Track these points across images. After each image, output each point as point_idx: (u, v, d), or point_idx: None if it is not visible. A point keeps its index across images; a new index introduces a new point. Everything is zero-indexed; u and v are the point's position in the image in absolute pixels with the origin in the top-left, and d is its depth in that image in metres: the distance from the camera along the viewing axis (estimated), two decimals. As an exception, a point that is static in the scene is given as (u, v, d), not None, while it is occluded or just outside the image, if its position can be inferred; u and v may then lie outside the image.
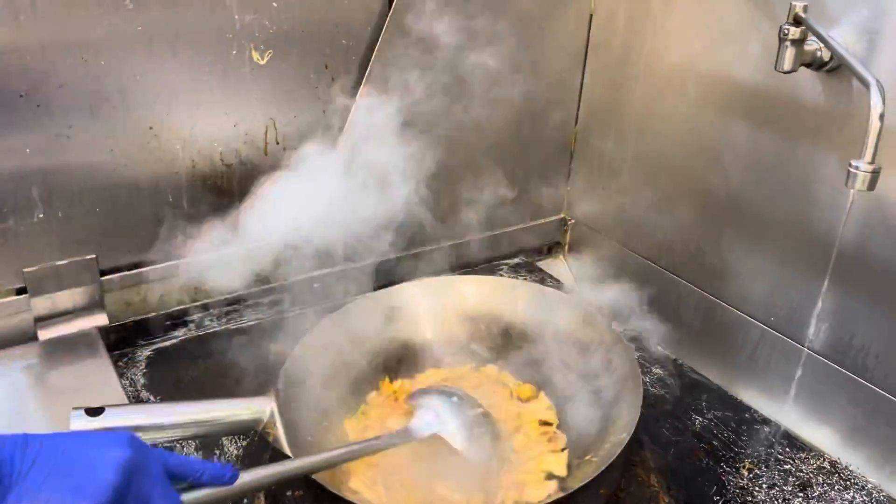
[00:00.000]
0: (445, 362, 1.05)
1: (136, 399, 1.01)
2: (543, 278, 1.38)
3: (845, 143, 0.96)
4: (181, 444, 0.94)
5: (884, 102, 0.78)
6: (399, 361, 1.03)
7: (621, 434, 0.81)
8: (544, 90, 1.35)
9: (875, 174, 0.78)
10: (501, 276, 1.36)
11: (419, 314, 1.05)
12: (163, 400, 1.01)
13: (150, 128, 1.04)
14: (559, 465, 0.86)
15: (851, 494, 0.90)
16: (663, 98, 1.22)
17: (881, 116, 0.77)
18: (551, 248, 1.50)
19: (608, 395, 0.91)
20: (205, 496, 0.66)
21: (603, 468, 0.76)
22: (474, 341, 1.05)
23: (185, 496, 0.64)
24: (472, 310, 1.06)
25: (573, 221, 1.47)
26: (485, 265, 1.41)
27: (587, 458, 0.85)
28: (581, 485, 0.75)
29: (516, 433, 0.91)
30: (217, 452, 0.94)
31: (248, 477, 0.72)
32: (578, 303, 1.03)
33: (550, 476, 0.85)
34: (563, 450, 0.89)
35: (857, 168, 0.78)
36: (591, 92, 1.37)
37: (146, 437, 0.78)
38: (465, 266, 1.38)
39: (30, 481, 0.54)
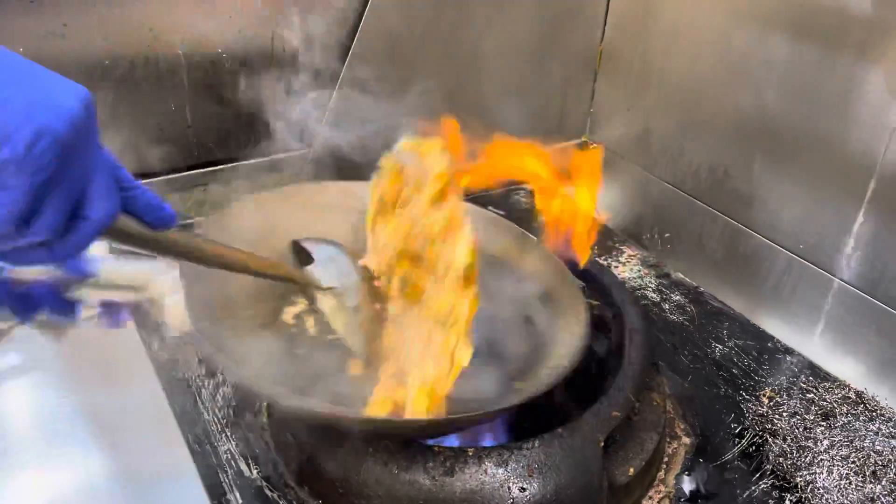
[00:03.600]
0: None
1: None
2: (561, 203, 1.33)
3: (893, 58, 0.89)
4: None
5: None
6: None
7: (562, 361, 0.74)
8: (567, 2, 1.27)
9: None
10: (519, 200, 1.30)
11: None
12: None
13: (151, 29, 0.98)
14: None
15: (877, 425, 0.85)
16: (695, 9, 1.14)
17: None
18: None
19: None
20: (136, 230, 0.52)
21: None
22: None
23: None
24: None
25: (594, 145, 1.41)
26: (500, 190, 1.35)
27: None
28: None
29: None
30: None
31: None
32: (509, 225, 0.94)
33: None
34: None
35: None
36: (618, 4, 1.29)
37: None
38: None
39: None
